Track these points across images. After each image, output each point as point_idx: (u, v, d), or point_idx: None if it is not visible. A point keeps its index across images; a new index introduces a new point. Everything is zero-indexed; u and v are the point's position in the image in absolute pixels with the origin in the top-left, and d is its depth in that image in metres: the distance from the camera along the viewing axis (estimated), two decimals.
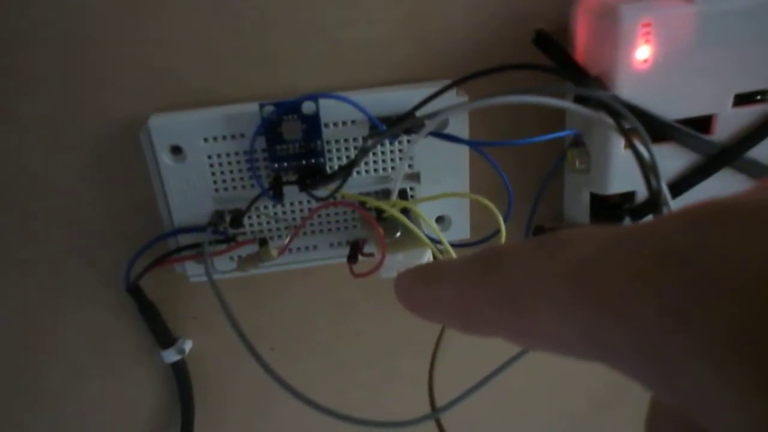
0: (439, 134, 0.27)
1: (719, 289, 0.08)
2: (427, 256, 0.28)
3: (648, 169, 0.22)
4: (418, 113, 0.27)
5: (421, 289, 0.14)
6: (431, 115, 0.26)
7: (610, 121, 0.23)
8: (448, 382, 0.36)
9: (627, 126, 0.26)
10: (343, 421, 0.25)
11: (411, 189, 0.31)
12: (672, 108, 0.27)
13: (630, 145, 0.22)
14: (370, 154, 0.30)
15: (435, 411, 0.24)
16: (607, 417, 0.42)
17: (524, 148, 0.32)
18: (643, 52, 0.26)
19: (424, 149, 0.30)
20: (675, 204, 0.25)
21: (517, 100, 0.22)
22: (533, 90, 0.21)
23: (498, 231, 0.27)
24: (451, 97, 0.28)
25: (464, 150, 0.30)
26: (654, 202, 0.22)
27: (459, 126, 0.29)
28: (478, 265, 0.12)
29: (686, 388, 0.09)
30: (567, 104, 0.23)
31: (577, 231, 0.11)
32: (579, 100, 0.27)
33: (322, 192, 0.28)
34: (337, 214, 0.31)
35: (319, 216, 0.31)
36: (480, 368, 0.38)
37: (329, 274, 0.34)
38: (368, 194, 0.31)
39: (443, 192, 0.31)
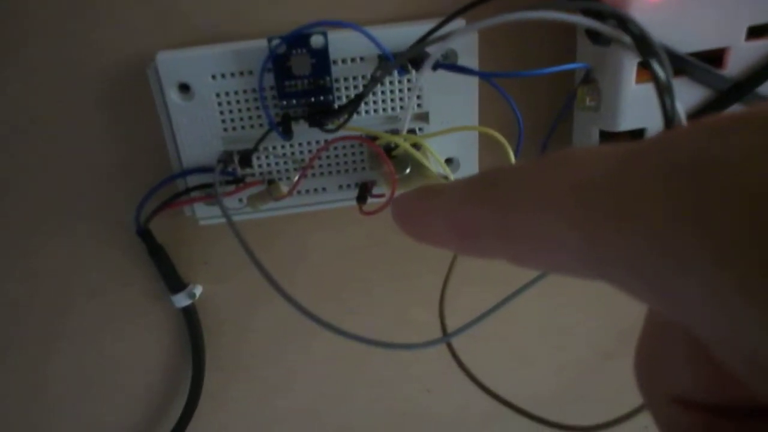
0: (448, 65, 0.26)
1: (741, 195, 0.08)
2: None
3: (664, 92, 0.22)
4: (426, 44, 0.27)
5: (417, 206, 0.13)
6: (433, 43, 0.26)
7: (627, 39, 0.22)
8: (458, 322, 0.36)
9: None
10: (366, 344, 0.24)
11: (420, 129, 0.31)
12: (684, 41, 0.27)
13: (646, 64, 0.22)
14: (378, 93, 0.30)
15: (446, 335, 0.24)
16: (612, 367, 0.42)
17: (534, 86, 0.32)
18: None
19: (432, 87, 0.30)
20: None
21: (526, 16, 0.22)
22: (544, 4, 0.21)
23: None
24: (459, 27, 0.28)
25: (473, 87, 0.30)
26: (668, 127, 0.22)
27: (468, 60, 0.29)
28: (478, 181, 0.12)
29: (692, 298, 0.08)
30: (581, 19, 0.23)
31: (582, 148, 0.11)
32: (591, 33, 0.27)
33: (333, 127, 0.28)
34: (345, 155, 0.31)
35: (328, 157, 0.31)
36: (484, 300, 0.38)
37: (337, 218, 0.34)
38: None
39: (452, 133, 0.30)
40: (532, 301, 0.36)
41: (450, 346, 0.24)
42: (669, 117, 0.22)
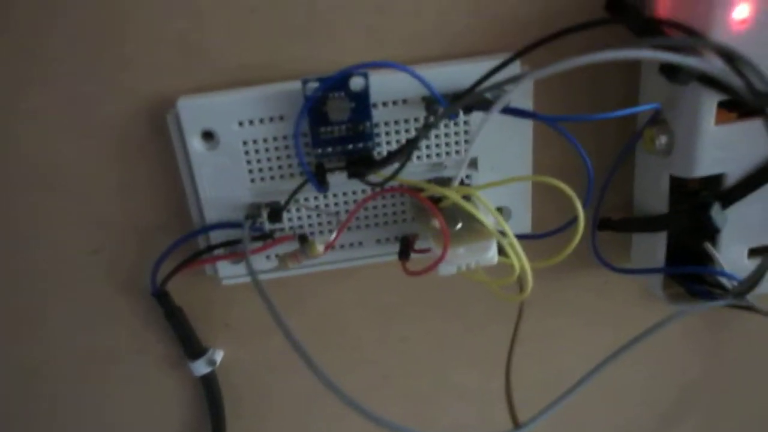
0: (510, 110, 0.23)
1: None
2: (493, 250, 0.25)
3: None
4: (480, 89, 0.24)
5: None
6: (495, 88, 0.23)
7: (737, 82, 0.19)
8: (500, 396, 0.32)
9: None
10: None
11: (467, 177, 0.28)
12: None
13: (758, 112, 0.19)
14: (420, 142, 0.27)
15: (518, 426, 0.20)
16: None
17: (586, 131, 0.29)
18: (741, 11, 0.23)
19: (482, 132, 0.27)
20: None
21: (599, 57, 0.19)
22: (629, 44, 0.18)
23: (574, 219, 0.24)
24: (515, 71, 0.25)
25: (527, 131, 0.27)
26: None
27: (522, 102, 0.26)
28: None
29: None
30: (663, 55, 0.19)
31: None
32: (665, 69, 0.24)
33: (378, 178, 0.25)
34: (385, 206, 0.28)
35: (366, 209, 0.28)
36: (534, 381, 0.34)
37: (373, 275, 0.31)
38: None
39: (505, 177, 0.27)
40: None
41: None
42: None
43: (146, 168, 0.28)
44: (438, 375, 0.34)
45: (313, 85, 0.24)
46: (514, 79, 0.21)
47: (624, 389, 0.36)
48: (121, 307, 0.30)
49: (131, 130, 0.27)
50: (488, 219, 0.24)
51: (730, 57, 0.19)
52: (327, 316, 0.32)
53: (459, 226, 0.25)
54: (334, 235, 0.26)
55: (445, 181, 0.27)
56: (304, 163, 0.25)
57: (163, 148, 0.27)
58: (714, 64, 0.19)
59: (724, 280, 0.28)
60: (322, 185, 0.25)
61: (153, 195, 0.28)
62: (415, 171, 0.27)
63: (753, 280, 0.23)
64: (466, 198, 0.25)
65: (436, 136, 0.27)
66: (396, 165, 0.24)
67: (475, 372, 0.34)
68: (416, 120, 0.26)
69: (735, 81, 0.19)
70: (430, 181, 0.28)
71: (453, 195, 0.23)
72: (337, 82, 0.24)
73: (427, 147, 0.27)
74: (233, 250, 0.28)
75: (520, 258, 0.23)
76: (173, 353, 0.32)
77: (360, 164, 0.25)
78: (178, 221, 0.28)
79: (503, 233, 0.24)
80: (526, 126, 0.27)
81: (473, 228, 0.25)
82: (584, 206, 0.24)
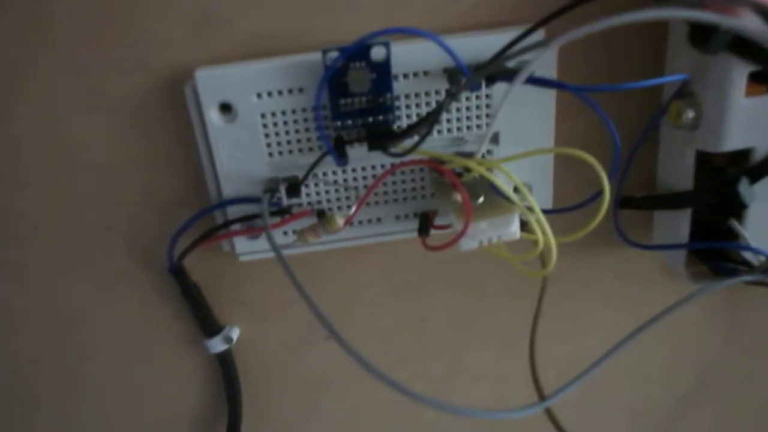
0: (534, 80, 0.23)
1: None
2: (516, 224, 0.24)
3: None
4: (501, 58, 0.24)
5: None
6: (517, 56, 0.22)
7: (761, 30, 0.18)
8: (521, 375, 0.32)
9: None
10: (425, 405, 0.21)
11: (488, 152, 0.27)
12: None
13: None
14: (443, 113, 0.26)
15: (544, 400, 0.20)
16: (693, 415, 0.37)
17: (612, 103, 0.28)
18: None
19: (504, 105, 0.26)
20: None
21: (624, 19, 0.18)
22: (661, 4, 0.18)
23: (599, 193, 0.24)
24: (540, 38, 0.25)
25: (550, 105, 0.27)
26: None
27: (546, 72, 0.26)
28: None
29: None
30: (694, 13, 0.19)
31: None
32: (694, 36, 0.23)
33: (399, 150, 0.25)
34: (404, 182, 0.28)
35: (385, 184, 0.28)
36: (555, 359, 0.34)
37: (391, 252, 0.31)
38: None
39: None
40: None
41: (550, 413, 0.20)
42: None
43: (163, 142, 0.27)
44: (457, 354, 0.34)
45: (334, 54, 0.24)
46: (536, 46, 0.20)
47: (644, 370, 0.36)
48: (138, 283, 0.30)
49: (147, 103, 0.26)
50: (512, 193, 0.23)
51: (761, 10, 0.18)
52: (344, 294, 0.32)
53: (481, 200, 0.25)
54: (353, 209, 0.25)
55: (466, 156, 0.27)
56: (324, 135, 0.24)
57: (181, 121, 0.26)
58: (751, 24, 0.18)
59: (749, 256, 0.27)
60: (341, 158, 0.25)
61: (170, 169, 0.28)
62: (435, 146, 0.27)
63: None
64: (489, 171, 0.25)
65: (458, 110, 0.26)
66: (417, 138, 0.24)
67: (493, 351, 0.34)
68: (437, 93, 0.26)
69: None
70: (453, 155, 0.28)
71: (478, 168, 0.23)
72: (359, 51, 0.24)
73: (448, 121, 0.27)
74: (250, 225, 0.28)
75: (545, 232, 0.23)
76: (190, 330, 0.31)
77: (380, 137, 0.25)
78: (196, 196, 0.28)
79: (529, 208, 0.24)
80: (549, 99, 0.27)
81: (495, 202, 0.25)
82: (610, 179, 0.23)
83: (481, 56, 0.25)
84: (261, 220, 0.27)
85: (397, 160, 0.26)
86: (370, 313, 0.32)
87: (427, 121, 0.23)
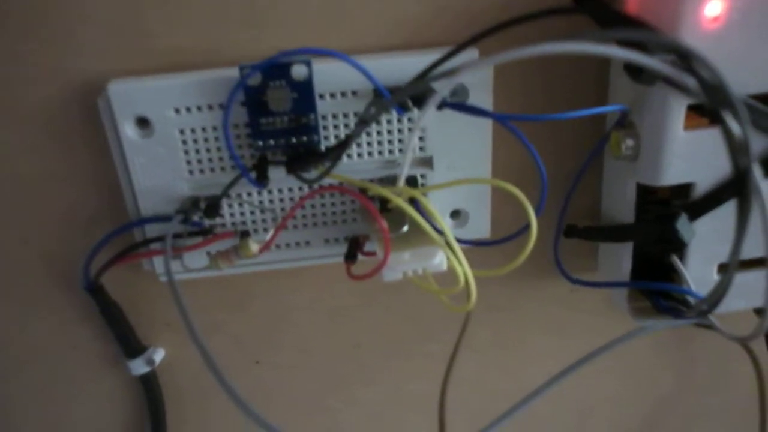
0: (457, 104, 0.22)
1: None
2: (440, 256, 0.23)
3: (739, 152, 0.17)
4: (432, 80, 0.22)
5: None
6: (445, 76, 0.21)
7: (691, 81, 0.17)
8: (458, 406, 0.31)
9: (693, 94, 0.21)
10: None
11: (422, 176, 0.26)
12: (745, 80, 0.22)
13: (715, 114, 0.17)
14: (374, 134, 0.25)
15: None
16: None
17: (553, 131, 0.27)
18: (713, 8, 0.21)
19: (438, 127, 0.25)
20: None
21: (557, 48, 0.17)
22: (577, 35, 0.16)
23: (527, 226, 0.22)
24: (471, 59, 0.24)
25: (486, 129, 0.26)
26: (738, 189, 0.17)
27: (481, 97, 0.24)
28: None
29: None
30: (626, 53, 0.18)
31: None
32: (631, 69, 0.22)
33: (313, 175, 0.23)
34: (334, 204, 0.27)
35: (313, 206, 0.26)
36: (494, 391, 0.33)
37: (323, 275, 0.29)
38: (371, 182, 0.26)
39: (461, 178, 0.26)
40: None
41: None
42: (742, 180, 0.17)
43: (78, 155, 0.26)
44: (392, 383, 0.33)
45: (251, 71, 0.22)
46: (461, 68, 0.19)
47: (591, 403, 0.35)
48: (56, 300, 0.29)
49: (63, 114, 0.25)
50: (427, 225, 0.22)
51: (682, 54, 0.17)
52: (274, 318, 0.30)
53: (405, 228, 0.24)
54: (269, 235, 0.24)
55: (391, 180, 0.26)
56: (236, 155, 0.23)
57: (96, 134, 0.25)
58: (666, 62, 0.17)
59: (689, 297, 0.26)
60: (260, 180, 0.24)
61: (86, 183, 0.26)
62: (366, 168, 0.26)
63: (714, 298, 0.22)
64: (415, 201, 0.24)
65: (389, 132, 0.25)
66: (333, 162, 0.22)
67: (430, 380, 0.33)
68: (367, 106, 0.24)
69: (688, 80, 0.17)
70: (383, 180, 0.26)
71: (393, 197, 0.21)
72: (277, 69, 0.22)
73: (379, 143, 0.25)
74: (174, 244, 0.27)
75: (463, 267, 0.22)
76: (111, 350, 0.30)
77: (301, 159, 0.23)
78: (114, 212, 0.27)
79: (450, 245, 0.22)
80: (486, 123, 0.25)
81: (422, 231, 0.24)
82: (537, 213, 0.22)
83: (411, 75, 0.23)
84: (182, 240, 0.26)
85: (313, 186, 0.25)
86: (301, 337, 0.31)
87: (340, 147, 0.21)
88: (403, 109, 0.23)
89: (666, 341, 0.34)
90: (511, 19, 0.21)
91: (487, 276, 0.23)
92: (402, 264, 0.23)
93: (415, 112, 0.24)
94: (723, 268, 0.26)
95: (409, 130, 0.25)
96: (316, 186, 0.24)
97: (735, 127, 0.17)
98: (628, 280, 0.27)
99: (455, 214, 0.28)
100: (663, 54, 0.18)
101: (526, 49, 0.16)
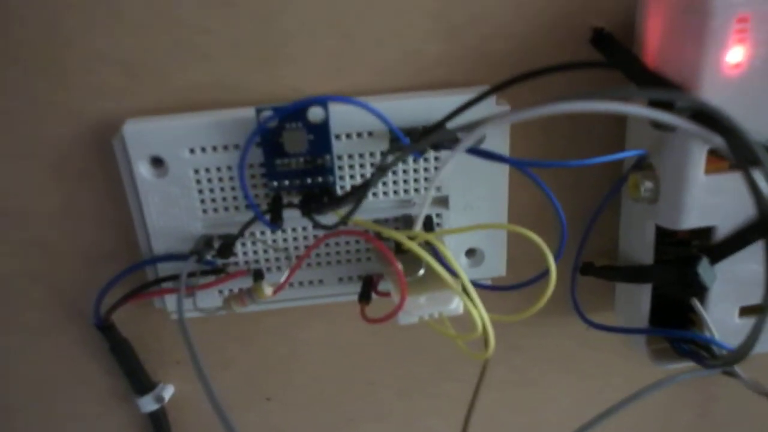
0: (477, 151, 0.21)
1: None
2: (456, 301, 0.23)
3: (761, 196, 0.16)
4: (450, 125, 0.22)
5: None
6: (466, 127, 0.21)
7: (717, 140, 0.17)
8: None
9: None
10: None
11: (437, 216, 0.26)
12: (762, 128, 0.22)
13: (743, 171, 0.17)
14: (390, 173, 0.25)
15: None
16: None
17: (570, 171, 0.27)
18: (735, 55, 0.21)
19: (454, 168, 0.25)
20: None
21: (578, 107, 0.17)
22: (596, 94, 0.16)
23: (547, 272, 0.22)
24: (489, 107, 0.23)
25: (503, 171, 0.25)
26: (765, 231, 0.16)
27: (498, 142, 0.24)
28: None
29: None
30: (646, 111, 0.18)
31: None
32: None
33: (329, 218, 0.23)
34: (348, 243, 0.26)
35: (327, 245, 0.26)
36: (510, 430, 0.32)
37: (336, 312, 0.29)
38: (386, 221, 0.26)
39: (476, 222, 0.25)
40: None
41: None
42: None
43: (91, 193, 0.26)
44: (406, 421, 0.32)
45: (268, 113, 0.22)
46: (484, 122, 0.18)
47: None
48: (66, 336, 0.29)
49: (73, 152, 0.25)
50: (443, 270, 0.22)
51: (710, 116, 0.17)
52: (287, 355, 0.30)
53: (422, 272, 0.23)
54: (283, 277, 0.24)
55: (412, 220, 0.25)
56: (251, 198, 0.23)
57: (110, 173, 0.25)
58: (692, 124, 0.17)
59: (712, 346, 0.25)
60: (275, 221, 0.24)
61: (99, 221, 0.26)
62: (382, 207, 0.26)
63: (743, 351, 0.21)
64: (430, 243, 0.23)
65: (405, 172, 0.25)
66: (350, 210, 0.22)
67: (445, 418, 0.32)
68: (383, 154, 0.24)
69: (716, 140, 0.17)
70: (398, 219, 0.26)
71: (408, 242, 0.21)
72: (294, 112, 0.22)
73: (395, 183, 0.25)
74: (188, 283, 0.26)
75: (480, 314, 0.21)
76: (120, 387, 0.30)
77: (316, 201, 0.23)
78: (126, 250, 0.27)
79: (465, 289, 0.22)
80: (503, 167, 0.25)
81: (438, 275, 0.23)
82: (557, 259, 0.22)
83: (429, 118, 0.23)
84: (194, 279, 0.26)
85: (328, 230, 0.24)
86: (313, 374, 0.30)
87: (357, 193, 0.21)
88: (420, 153, 0.23)
89: (683, 385, 0.33)
90: (540, 68, 0.21)
91: (507, 321, 0.23)
92: (418, 308, 0.23)
93: (431, 153, 0.24)
94: (745, 312, 0.26)
95: (425, 170, 0.25)
96: (329, 231, 0.24)
97: (764, 185, 0.16)
98: (647, 324, 0.26)
99: (471, 253, 0.27)
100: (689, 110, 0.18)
101: (556, 105, 0.16)
